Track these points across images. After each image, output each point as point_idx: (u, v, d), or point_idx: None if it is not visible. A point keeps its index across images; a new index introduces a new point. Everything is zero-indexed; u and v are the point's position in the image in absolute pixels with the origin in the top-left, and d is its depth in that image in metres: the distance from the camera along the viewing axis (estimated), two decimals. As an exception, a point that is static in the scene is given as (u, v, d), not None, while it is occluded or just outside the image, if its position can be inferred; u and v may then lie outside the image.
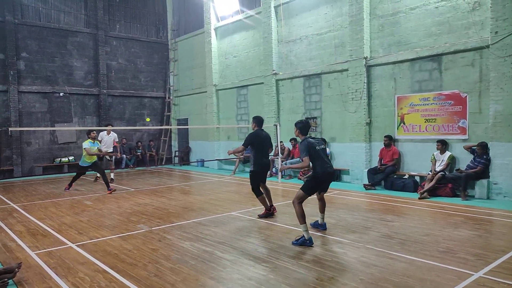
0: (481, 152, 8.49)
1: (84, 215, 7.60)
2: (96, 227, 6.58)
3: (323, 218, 6.11)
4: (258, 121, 7.16)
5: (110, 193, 10.17)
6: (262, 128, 7.17)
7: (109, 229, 6.42)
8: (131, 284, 4.07)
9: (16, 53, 15.02)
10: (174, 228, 6.41)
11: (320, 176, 5.48)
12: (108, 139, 12.70)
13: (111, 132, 12.87)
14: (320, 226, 6.11)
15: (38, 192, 10.78)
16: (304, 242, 5.21)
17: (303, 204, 5.45)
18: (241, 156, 14.21)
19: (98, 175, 12.57)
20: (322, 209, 6.07)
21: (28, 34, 15.37)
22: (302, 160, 5.35)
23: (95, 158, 10.73)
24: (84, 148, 10.50)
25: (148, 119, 13.17)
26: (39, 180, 13.62)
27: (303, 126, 5.62)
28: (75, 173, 11.15)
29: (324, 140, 11.80)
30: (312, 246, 5.17)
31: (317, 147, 5.45)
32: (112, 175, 12.57)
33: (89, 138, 10.78)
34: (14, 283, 4.16)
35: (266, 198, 7.05)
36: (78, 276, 4.33)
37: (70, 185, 10.94)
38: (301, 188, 5.48)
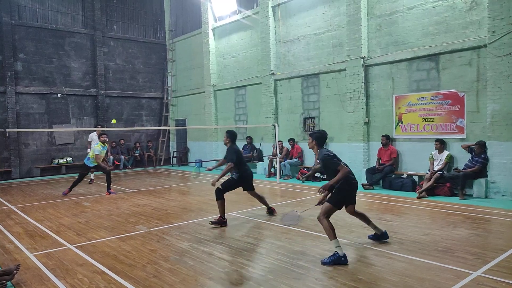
0: (479, 151, 8.51)
1: (83, 216, 7.58)
2: (95, 228, 6.57)
3: (375, 227, 5.34)
4: (234, 137, 6.98)
5: (109, 194, 10.13)
6: None
7: (107, 230, 6.41)
8: (130, 285, 4.06)
9: (13, 54, 14.98)
10: (173, 229, 6.40)
11: (348, 186, 4.92)
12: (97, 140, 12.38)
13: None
14: (381, 237, 5.35)
15: (36, 194, 10.75)
16: (339, 260, 4.50)
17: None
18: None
19: (92, 176, 12.59)
20: (366, 220, 5.34)
21: (25, 35, 15.33)
22: (339, 169, 4.81)
23: (101, 159, 10.58)
24: (96, 154, 10.24)
25: (114, 121, 12.99)
26: (37, 181, 13.58)
27: (321, 136, 5.19)
28: (78, 174, 10.76)
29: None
30: (347, 264, 4.50)
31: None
32: (92, 176, 12.73)
33: (99, 142, 10.49)
34: (13, 285, 4.14)
35: (223, 207, 6.62)
36: (76, 278, 4.32)
37: (70, 189, 10.29)
38: (328, 201, 4.87)
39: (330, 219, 4.78)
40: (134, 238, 5.89)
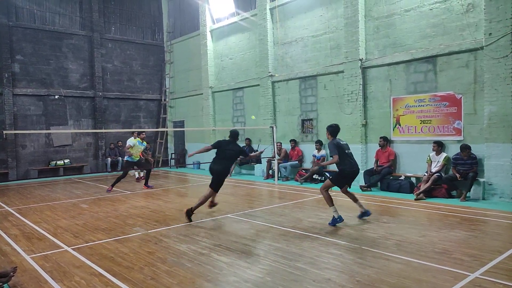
0: (465, 154, 8.53)
1: (80, 218, 7.56)
2: (92, 230, 6.55)
3: (361, 206, 6.77)
4: (334, 131, 6.87)
5: (147, 188, 11.38)
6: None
7: (105, 232, 6.39)
8: (128, 288, 4.06)
9: (10, 55, 14.95)
10: (171, 231, 6.39)
11: (348, 172, 6.57)
12: None
13: None
14: (365, 214, 6.76)
15: (34, 196, 10.72)
16: (336, 221, 6.33)
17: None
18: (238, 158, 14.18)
19: (137, 174, 13.44)
20: (354, 199, 6.81)
21: (23, 36, 15.31)
22: (332, 157, 6.48)
23: (138, 156, 11.41)
24: (129, 145, 11.02)
25: (253, 117, 13.28)
26: (34, 183, 13.54)
27: (333, 130, 6.71)
28: (122, 173, 11.23)
29: (320, 142, 11.89)
30: (343, 221, 6.37)
31: (346, 151, 6.60)
32: (136, 173, 13.24)
33: (138, 137, 11.26)
34: (9, 288, 4.13)
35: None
36: (74, 280, 4.31)
37: (113, 185, 10.92)
38: (329, 179, 6.67)
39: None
40: (132, 240, 5.87)
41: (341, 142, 6.66)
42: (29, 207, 8.88)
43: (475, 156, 8.56)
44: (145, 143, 11.65)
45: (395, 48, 10.21)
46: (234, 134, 7.47)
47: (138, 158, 11.43)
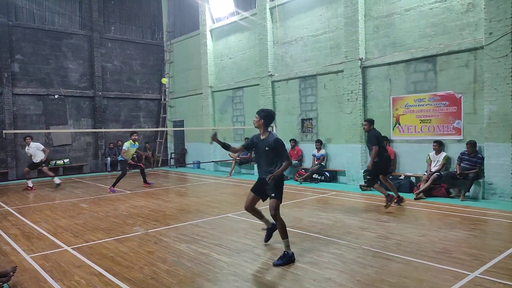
0: (471, 150, 8.54)
1: (80, 218, 7.56)
2: (92, 230, 6.55)
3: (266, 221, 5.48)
4: (372, 122, 8.10)
5: (147, 185, 11.80)
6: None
7: (105, 232, 6.39)
8: (127, 287, 4.05)
9: (10, 55, 14.93)
10: (170, 230, 6.39)
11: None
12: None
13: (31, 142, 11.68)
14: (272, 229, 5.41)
15: (33, 195, 10.71)
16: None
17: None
18: (237, 158, 14.21)
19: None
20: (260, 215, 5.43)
21: (22, 36, 15.29)
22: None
23: (130, 155, 11.73)
24: (123, 149, 11.34)
25: (164, 80, 12.85)
26: (34, 183, 13.52)
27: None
28: (120, 172, 11.40)
29: (320, 141, 11.88)
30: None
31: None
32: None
33: (130, 140, 11.49)
34: (9, 287, 4.12)
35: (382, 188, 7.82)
36: (73, 280, 4.31)
37: (114, 185, 11.12)
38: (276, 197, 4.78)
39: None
40: (132, 240, 5.87)
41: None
42: (29, 207, 8.88)
43: (482, 156, 8.52)
44: (137, 144, 11.83)
45: (395, 48, 10.20)
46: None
47: (131, 158, 11.97)
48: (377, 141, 7.58)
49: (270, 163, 4.86)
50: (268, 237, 5.40)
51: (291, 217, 7.13)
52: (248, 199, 5.18)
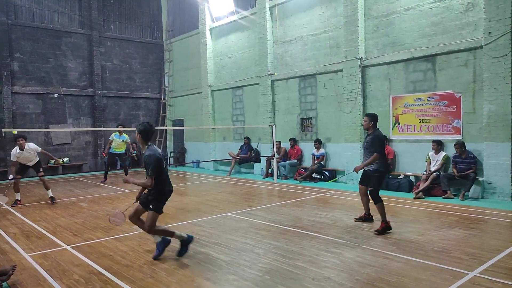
0: (460, 151, 8.57)
1: (79, 216, 7.56)
2: (91, 229, 6.55)
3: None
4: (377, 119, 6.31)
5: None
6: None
7: (104, 231, 6.39)
8: (126, 286, 4.05)
9: (9, 54, 14.91)
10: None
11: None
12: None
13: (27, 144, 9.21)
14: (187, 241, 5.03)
15: (33, 194, 10.71)
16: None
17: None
18: (237, 157, 14.21)
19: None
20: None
21: (22, 34, 15.27)
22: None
23: (122, 149, 12.63)
24: (111, 141, 12.46)
25: (14, 132, 10.00)
26: (33, 181, 13.51)
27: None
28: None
29: (319, 140, 11.89)
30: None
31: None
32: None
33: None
34: (9, 286, 4.12)
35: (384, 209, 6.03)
36: (73, 278, 4.31)
37: (105, 177, 12.47)
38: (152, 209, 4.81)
39: None
40: (131, 239, 5.87)
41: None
42: (28, 206, 8.87)
43: (474, 155, 8.57)
44: (125, 135, 12.65)
45: (394, 47, 10.20)
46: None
47: (120, 151, 12.68)
48: (382, 145, 6.10)
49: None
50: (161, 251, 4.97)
51: (291, 216, 7.14)
52: (134, 210, 4.99)
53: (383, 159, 6.06)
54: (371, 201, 6.15)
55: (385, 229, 5.85)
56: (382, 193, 9.31)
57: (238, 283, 4.08)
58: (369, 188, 6.14)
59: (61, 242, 5.79)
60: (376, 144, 5.99)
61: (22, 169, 9.20)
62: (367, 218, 6.55)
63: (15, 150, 8.82)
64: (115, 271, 4.48)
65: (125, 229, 6.44)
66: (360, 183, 6.45)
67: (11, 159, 9.06)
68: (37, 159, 9.35)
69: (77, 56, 16.68)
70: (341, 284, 3.98)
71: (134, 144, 17.74)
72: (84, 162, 16.71)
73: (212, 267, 4.56)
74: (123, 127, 12.95)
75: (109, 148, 12.59)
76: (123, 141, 12.61)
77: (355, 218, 6.70)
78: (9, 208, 8.64)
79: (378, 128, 6.26)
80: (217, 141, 16.45)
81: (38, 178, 9.32)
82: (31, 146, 9.05)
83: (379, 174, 6.06)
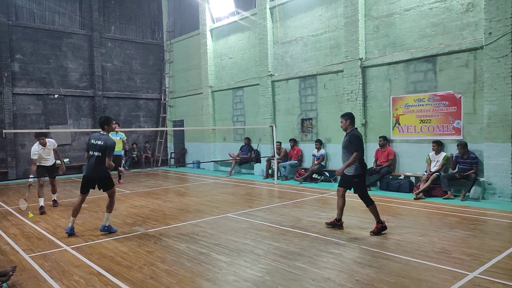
0: (463, 151, 8.56)
1: (79, 217, 7.53)
2: (91, 230, 6.55)
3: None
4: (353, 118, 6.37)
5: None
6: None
7: (104, 231, 6.39)
8: (127, 287, 4.05)
9: (10, 54, 14.93)
10: (170, 230, 6.39)
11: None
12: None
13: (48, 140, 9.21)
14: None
15: (33, 195, 10.69)
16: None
17: None
18: (237, 158, 14.21)
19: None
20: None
21: (23, 35, 15.29)
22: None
23: (119, 148, 11.65)
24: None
25: (30, 215, 9.26)
26: (33, 182, 13.51)
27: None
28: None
29: (320, 141, 11.88)
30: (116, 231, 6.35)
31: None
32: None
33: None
34: (9, 287, 4.12)
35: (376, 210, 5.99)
36: (73, 279, 4.31)
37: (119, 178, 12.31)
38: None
39: None
40: (131, 240, 5.87)
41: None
42: (29, 207, 8.87)
43: (475, 156, 8.56)
44: (121, 133, 12.27)
45: (394, 48, 10.20)
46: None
47: (117, 150, 11.31)
48: (359, 145, 5.99)
49: None
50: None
51: (291, 216, 7.13)
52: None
53: (359, 160, 5.96)
54: (364, 205, 6.07)
55: (380, 229, 5.81)
56: (382, 194, 9.36)
57: (238, 283, 4.08)
58: (357, 193, 6.02)
59: (61, 243, 5.79)
60: (354, 142, 5.95)
61: (41, 171, 8.84)
62: (336, 224, 6.20)
63: (37, 146, 8.49)
64: (115, 272, 4.48)
65: (125, 230, 6.44)
66: (340, 185, 6.27)
67: (32, 157, 8.51)
68: (54, 159, 9.03)
69: (77, 57, 16.69)
70: (341, 284, 3.97)
71: (134, 144, 17.76)
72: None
73: (213, 268, 4.56)
74: (118, 125, 12.75)
75: None
76: (120, 138, 12.37)
77: (326, 223, 6.40)
78: (9, 209, 8.64)
79: (356, 128, 6.29)
80: (217, 142, 16.45)
81: (37, 179, 9.08)
82: (50, 141, 8.94)
83: (359, 179, 5.99)
